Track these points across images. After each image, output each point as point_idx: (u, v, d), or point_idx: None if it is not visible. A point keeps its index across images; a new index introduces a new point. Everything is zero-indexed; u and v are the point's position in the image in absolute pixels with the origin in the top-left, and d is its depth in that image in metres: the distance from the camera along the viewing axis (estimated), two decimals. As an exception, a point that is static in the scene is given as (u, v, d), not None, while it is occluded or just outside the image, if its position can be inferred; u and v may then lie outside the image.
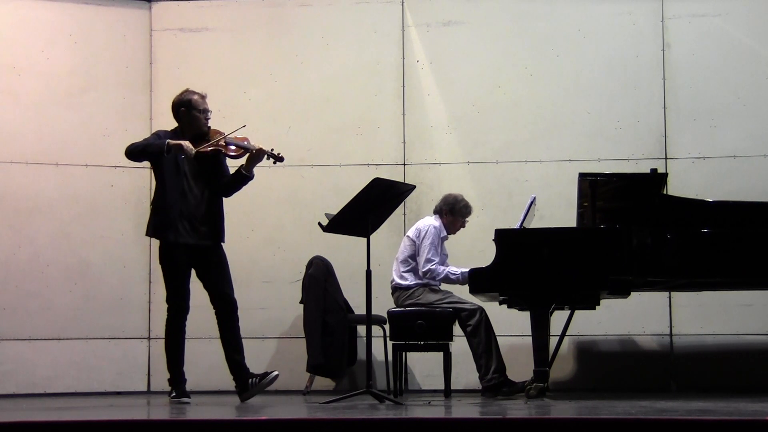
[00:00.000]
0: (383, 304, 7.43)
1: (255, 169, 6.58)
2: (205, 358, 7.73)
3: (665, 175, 7.34)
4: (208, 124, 6.61)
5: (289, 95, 8.43)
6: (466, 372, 7.67)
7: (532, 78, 8.29)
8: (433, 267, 7.21)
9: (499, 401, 6.64)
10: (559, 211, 7.87)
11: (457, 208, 7.36)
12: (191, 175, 6.52)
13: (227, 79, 8.37)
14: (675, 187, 7.75)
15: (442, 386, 7.25)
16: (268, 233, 8.33)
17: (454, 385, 7.39)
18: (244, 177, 6.57)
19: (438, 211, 7.41)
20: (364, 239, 6.36)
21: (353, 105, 8.39)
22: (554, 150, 8.20)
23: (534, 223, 7.30)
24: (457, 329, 7.21)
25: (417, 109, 8.35)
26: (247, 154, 6.51)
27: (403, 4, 8.41)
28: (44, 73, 8.28)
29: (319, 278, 7.79)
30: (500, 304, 6.98)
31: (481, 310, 7.15)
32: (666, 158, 8.11)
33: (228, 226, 6.64)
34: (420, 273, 7.26)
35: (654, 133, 8.15)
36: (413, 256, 7.30)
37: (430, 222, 7.35)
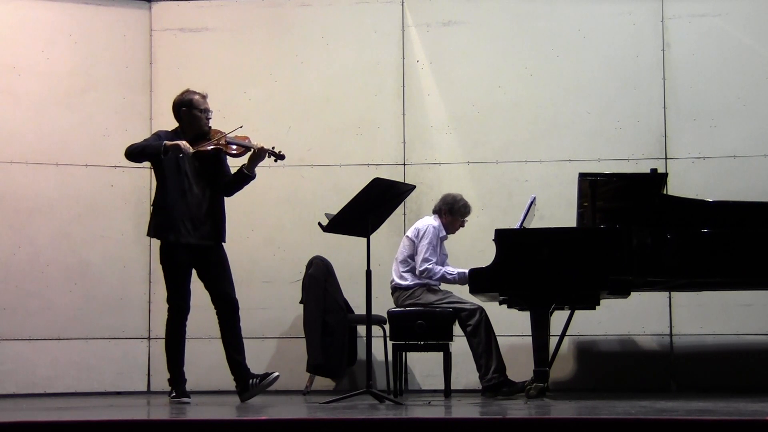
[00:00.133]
0: (383, 304, 7.43)
1: (255, 169, 6.58)
2: (205, 358, 7.73)
3: (665, 175, 7.34)
4: (209, 124, 6.61)
5: (289, 95, 8.43)
6: (466, 372, 7.67)
7: (532, 78, 8.29)
8: (430, 266, 7.21)
9: (499, 401, 6.64)
10: (559, 211, 7.86)
11: (456, 207, 7.36)
12: (192, 174, 6.51)
13: (227, 79, 8.37)
14: (675, 187, 7.75)
15: (442, 386, 7.25)
16: (268, 233, 8.33)
17: (454, 385, 7.39)
18: (245, 176, 6.56)
19: (437, 211, 7.41)
20: (364, 239, 6.36)
21: (353, 105, 8.39)
22: (554, 150, 8.20)
23: (534, 223, 7.30)
24: (457, 329, 7.21)
25: (417, 109, 8.35)
26: (249, 153, 6.52)
27: (403, 4, 8.41)
28: (44, 73, 8.27)
29: (319, 278, 7.79)
30: (500, 304, 6.98)
31: (481, 310, 7.16)
32: (666, 158, 8.11)
33: (228, 226, 6.64)
34: (417, 272, 7.26)
35: (654, 133, 8.15)
36: (412, 256, 7.30)
37: (429, 222, 7.36)
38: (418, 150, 8.33)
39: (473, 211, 7.49)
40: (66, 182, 8.24)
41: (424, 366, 8.03)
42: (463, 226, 7.45)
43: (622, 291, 6.70)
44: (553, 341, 6.97)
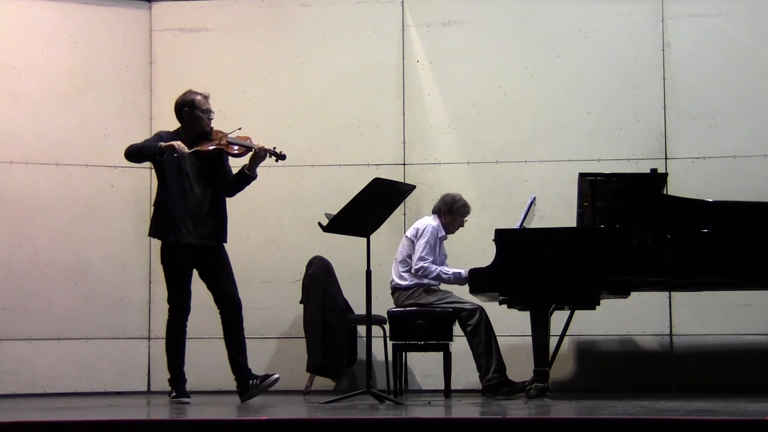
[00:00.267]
0: (383, 304, 7.43)
1: (256, 169, 6.58)
2: (205, 358, 7.73)
3: (665, 175, 7.34)
4: (211, 125, 6.61)
5: (289, 95, 8.43)
6: (466, 372, 7.67)
7: (532, 78, 8.29)
8: (426, 265, 7.20)
9: (499, 401, 6.64)
10: (559, 211, 7.86)
11: (455, 207, 7.36)
12: (193, 175, 6.51)
13: (227, 79, 8.37)
14: (675, 187, 7.75)
15: (442, 386, 7.25)
16: (268, 233, 8.33)
17: (454, 385, 7.39)
18: (247, 177, 6.57)
19: (436, 211, 7.41)
20: (364, 239, 6.36)
21: (353, 105, 8.39)
22: (554, 150, 8.20)
23: (534, 223, 7.30)
24: (457, 329, 7.21)
25: (417, 109, 8.35)
26: (250, 154, 6.52)
27: (403, 4, 8.41)
28: (44, 73, 8.27)
29: (319, 278, 7.79)
30: (500, 304, 6.98)
31: (481, 309, 7.15)
32: (666, 158, 8.11)
33: (228, 226, 6.64)
34: (412, 270, 7.25)
35: (654, 133, 8.16)
36: (412, 256, 7.29)
37: (429, 222, 7.36)
38: (418, 150, 8.33)
39: (473, 211, 7.49)
40: (66, 182, 8.24)
41: (424, 366, 8.04)
42: (462, 226, 7.45)
43: (622, 291, 6.70)
44: (553, 341, 6.97)
